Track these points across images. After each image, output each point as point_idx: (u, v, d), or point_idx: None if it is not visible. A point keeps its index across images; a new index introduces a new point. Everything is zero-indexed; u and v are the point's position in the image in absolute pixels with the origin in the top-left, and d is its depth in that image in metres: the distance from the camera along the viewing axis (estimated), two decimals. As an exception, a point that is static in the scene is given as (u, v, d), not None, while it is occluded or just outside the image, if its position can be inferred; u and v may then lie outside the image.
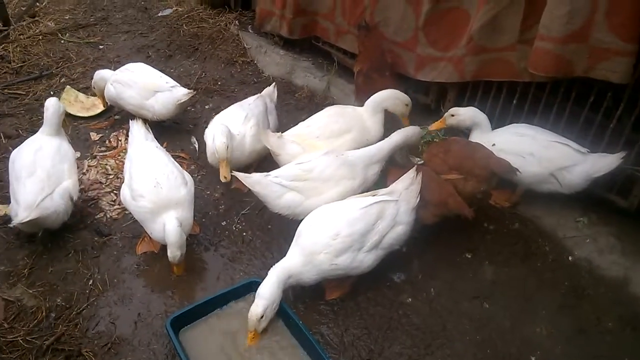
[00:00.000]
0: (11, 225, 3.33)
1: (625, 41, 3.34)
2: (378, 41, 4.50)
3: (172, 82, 4.50)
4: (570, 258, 3.59)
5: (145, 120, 3.93)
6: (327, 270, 3.00)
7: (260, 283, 2.88)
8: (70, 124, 4.63)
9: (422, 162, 3.91)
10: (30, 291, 3.20)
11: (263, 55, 5.85)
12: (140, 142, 3.59)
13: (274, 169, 3.55)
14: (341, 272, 3.05)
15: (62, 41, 6.09)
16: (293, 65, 5.64)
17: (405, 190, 3.26)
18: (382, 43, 4.56)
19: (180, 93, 4.40)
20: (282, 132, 3.91)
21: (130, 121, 3.80)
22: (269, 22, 5.80)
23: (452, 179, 3.54)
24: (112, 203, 3.88)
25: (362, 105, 4.12)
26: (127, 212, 3.76)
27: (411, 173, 3.32)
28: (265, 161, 4.10)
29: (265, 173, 3.46)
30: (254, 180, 3.41)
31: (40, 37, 6.08)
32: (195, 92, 4.54)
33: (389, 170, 3.67)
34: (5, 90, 5.09)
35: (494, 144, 3.75)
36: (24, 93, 5.10)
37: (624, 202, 3.70)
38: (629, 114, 3.65)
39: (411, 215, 3.23)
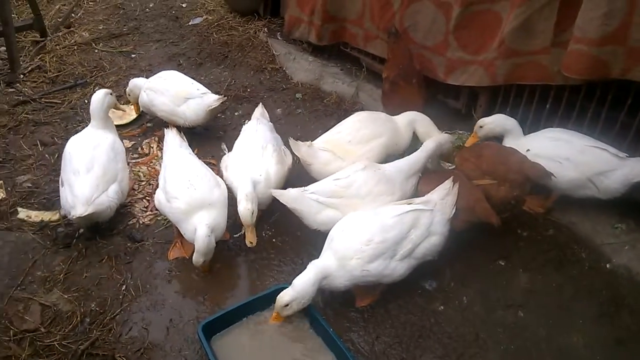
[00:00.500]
0: (72, 217, 3.46)
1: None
2: (407, 48, 4.47)
3: (203, 89, 4.55)
4: (608, 265, 3.49)
5: (179, 128, 3.99)
6: (358, 276, 2.98)
7: None
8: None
9: (453, 167, 3.87)
10: (66, 296, 3.26)
11: (292, 62, 5.88)
12: (174, 149, 3.66)
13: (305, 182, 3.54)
14: (372, 279, 3.02)
15: (96, 51, 6.23)
16: (321, 71, 5.65)
17: (440, 200, 3.23)
18: (411, 50, 4.52)
19: (211, 99, 4.45)
20: (311, 141, 3.90)
21: (165, 129, 3.85)
22: (297, 29, 5.82)
23: (485, 185, 3.48)
24: (145, 209, 3.93)
25: (388, 111, 4.11)
26: (159, 218, 3.82)
27: (447, 184, 3.29)
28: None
29: (301, 188, 3.43)
30: (290, 197, 3.38)
31: (75, 47, 6.23)
32: (225, 98, 4.58)
33: (420, 177, 3.64)
34: (42, 99, 5.22)
35: (528, 149, 3.68)
36: (59, 102, 5.23)
37: (663, 208, 3.59)
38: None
39: (446, 226, 3.19)
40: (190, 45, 6.40)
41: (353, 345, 2.99)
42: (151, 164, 4.39)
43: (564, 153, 3.59)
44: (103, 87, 5.50)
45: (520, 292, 3.32)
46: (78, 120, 4.93)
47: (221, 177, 3.66)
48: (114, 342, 3.01)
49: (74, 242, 3.61)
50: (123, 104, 5.14)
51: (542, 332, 3.09)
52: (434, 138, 3.69)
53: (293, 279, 2.91)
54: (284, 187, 3.55)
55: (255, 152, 3.67)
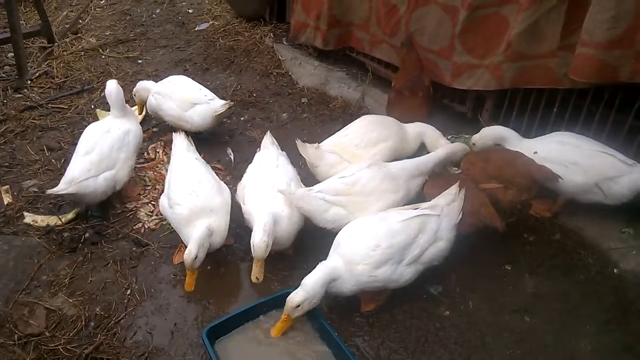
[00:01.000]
0: (55, 193, 3.56)
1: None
2: (419, 60, 4.45)
3: (211, 95, 4.57)
4: (615, 270, 3.45)
5: (187, 133, 4.00)
6: (365, 282, 2.96)
7: None
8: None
9: (460, 171, 3.85)
10: (71, 300, 3.26)
11: (297, 67, 5.89)
12: (181, 153, 3.66)
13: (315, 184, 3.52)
14: (379, 285, 3.00)
15: (103, 56, 6.27)
16: (327, 76, 5.66)
17: (447, 205, 3.21)
18: (421, 62, 4.49)
19: (218, 105, 4.47)
20: (318, 143, 3.90)
21: (173, 133, 3.86)
22: (303, 34, 5.83)
23: (492, 188, 3.46)
24: (150, 214, 3.94)
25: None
26: (164, 223, 3.82)
27: (454, 189, 3.27)
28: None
29: (308, 188, 3.44)
30: (298, 196, 3.37)
31: (82, 53, 6.27)
32: (232, 103, 4.59)
33: (427, 179, 3.63)
34: (49, 105, 5.26)
35: (535, 152, 3.66)
36: (66, 107, 5.26)
37: (672, 213, 3.55)
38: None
39: (452, 232, 3.17)
40: (196, 50, 6.43)
41: (358, 350, 2.97)
42: (157, 169, 4.40)
43: (572, 157, 3.56)
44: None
45: (526, 297, 3.29)
46: (85, 125, 4.87)
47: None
48: (118, 347, 3.01)
49: (79, 247, 3.62)
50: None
51: (549, 337, 3.05)
52: (447, 146, 3.71)
53: (298, 284, 2.89)
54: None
55: (273, 196, 3.39)
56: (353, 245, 3.01)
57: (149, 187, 4.20)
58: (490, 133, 3.94)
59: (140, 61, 6.24)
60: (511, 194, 3.45)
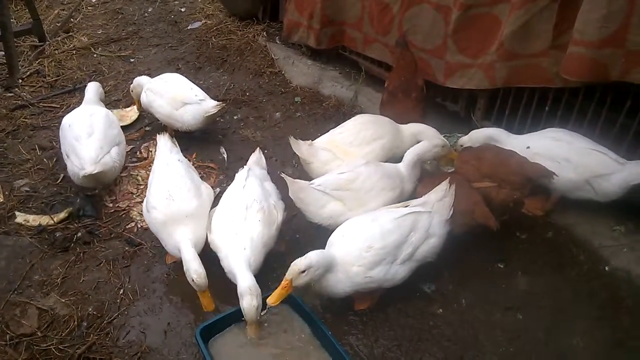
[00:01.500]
0: (82, 175, 3.71)
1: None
2: (413, 61, 4.41)
3: (202, 95, 4.53)
4: (606, 268, 3.47)
5: (175, 131, 3.99)
6: (361, 283, 2.96)
7: (290, 294, 2.90)
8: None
9: (452, 169, 3.86)
10: (63, 300, 3.25)
11: (291, 66, 5.88)
12: (164, 155, 3.60)
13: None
14: (374, 285, 3.01)
15: (95, 55, 6.24)
16: (320, 75, 5.66)
17: (438, 202, 3.21)
18: (416, 62, 4.44)
19: (209, 105, 4.44)
20: (312, 140, 3.89)
21: (157, 134, 3.84)
22: (296, 33, 5.83)
23: (485, 187, 3.47)
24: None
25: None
26: (157, 222, 3.81)
27: (444, 185, 3.27)
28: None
29: (307, 182, 3.42)
30: (298, 187, 3.36)
31: (74, 52, 6.24)
32: (223, 104, 4.57)
33: (421, 179, 3.64)
34: (41, 104, 5.23)
35: (528, 147, 3.68)
36: (58, 106, 5.23)
37: (663, 210, 3.58)
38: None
39: (444, 228, 3.18)
40: (189, 49, 6.41)
41: (352, 348, 2.98)
42: (149, 168, 4.37)
43: (564, 154, 3.58)
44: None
45: (519, 295, 3.31)
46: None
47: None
48: (111, 346, 3.00)
49: (71, 246, 3.60)
50: (122, 107, 5.18)
51: (541, 334, 3.07)
52: (412, 148, 3.67)
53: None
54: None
55: (239, 214, 3.21)
56: (346, 246, 3.01)
57: (141, 187, 4.19)
58: (479, 135, 3.95)
59: (132, 60, 6.21)
60: (505, 193, 3.46)
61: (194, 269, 2.98)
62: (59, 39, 6.48)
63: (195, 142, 4.65)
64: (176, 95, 4.47)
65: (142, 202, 4.01)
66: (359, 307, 3.17)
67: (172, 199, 3.27)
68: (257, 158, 3.77)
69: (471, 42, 4.27)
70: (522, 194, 3.52)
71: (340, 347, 2.75)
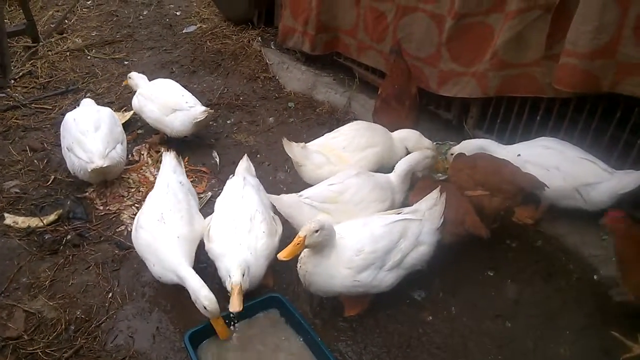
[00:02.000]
0: (90, 169, 3.79)
1: (654, 56, 3.28)
2: (407, 68, 4.43)
3: (192, 102, 4.50)
4: (595, 277, 3.48)
5: (169, 137, 3.97)
6: (348, 286, 2.96)
7: (281, 299, 2.97)
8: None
9: (444, 177, 3.87)
10: (51, 303, 3.22)
11: (285, 71, 5.89)
12: (166, 174, 3.49)
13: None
14: (361, 290, 3.00)
15: (89, 57, 6.23)
16: (314, 80, 5.67)
17: (428, 210, 3.22)
18: (410, 70, 4.45)
19: (197, 112, 4.42)
20: (305, 143, 3.89)
21: (163, 152, 3.79)
22: (291, 39, 5.84)
23: (478, 195, 3.48)
24: (133, 216, 3.88)
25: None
26: (147, 226, 3.79)
27: (435, 193, 3.28)
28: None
29: (295, 194, 3.41)
30: (285, 203, 3.34)
31: (68, 54, 6.23)
32: (211, 111, 4.51)
33: (412, 186, 3.64)
34: (33, 105, 5.21)
35: (519, 155, 3.69)
36: (50, 107, 5.21)
37: (652, 221, 3.60)
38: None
39: (434, 236, 3.18)
40: (183, 53, 6.41)
41: (341, 354, 2.97)
42: (141, 171, 4.37)
43: (554, 162, 3.60)
44: (95, 93, 5.49)
45: (508, 303, 3.31)
46: (69, 126, 4.90)
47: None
48: (99, 350, 2.97)
49: (60, 249, 3.59)
50: (115, 110, 5.15)
51: (530, 342, 3.07)
52: (404, 159, 3.67)
53: (283, 292, 2.88)
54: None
55: (243, 225, 3.16)
56: (338, 247, 2.99)
57: (132, 190, 4.17)
58: (470, 145, 3.96)
59: (126, 62, 6.20)
60: (497, 201, 3.47)
61: (204, 296, 2.78)
62: (53, 40, 6.47)
63: (188, 145, 4.64)
64: (167, 102, 4.46)
65: (132, 205, 4.01)
66: (349, 313, 3.17)
67: (164, 222, 3.15)
68: (246, 166, 3.69)
69: (464, 51, 4.30)
70: (514, 204, 3.53)
71: (329, 352, 2.74)
